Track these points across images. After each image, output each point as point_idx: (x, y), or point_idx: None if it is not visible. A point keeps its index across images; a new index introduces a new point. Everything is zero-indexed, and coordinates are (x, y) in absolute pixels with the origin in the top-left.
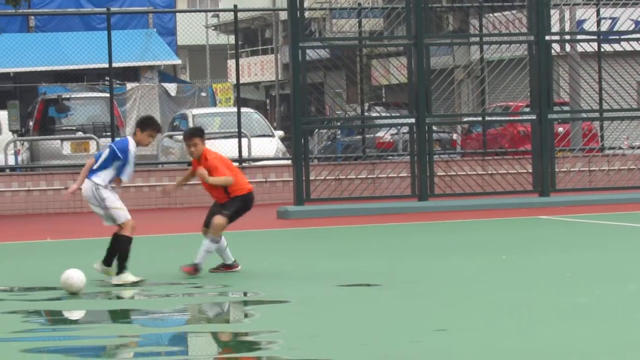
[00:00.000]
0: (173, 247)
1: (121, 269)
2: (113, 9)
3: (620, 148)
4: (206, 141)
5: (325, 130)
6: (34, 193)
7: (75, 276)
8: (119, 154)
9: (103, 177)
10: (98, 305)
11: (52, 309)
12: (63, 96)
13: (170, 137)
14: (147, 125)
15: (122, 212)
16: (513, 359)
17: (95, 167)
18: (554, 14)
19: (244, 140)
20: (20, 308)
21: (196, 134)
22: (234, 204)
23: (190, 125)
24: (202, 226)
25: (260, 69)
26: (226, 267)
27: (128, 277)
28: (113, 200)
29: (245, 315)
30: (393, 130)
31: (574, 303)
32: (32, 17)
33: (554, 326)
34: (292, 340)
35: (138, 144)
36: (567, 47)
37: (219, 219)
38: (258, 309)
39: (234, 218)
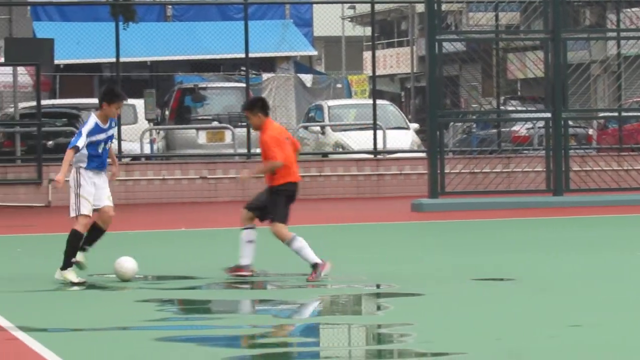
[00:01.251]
0: (305, 238)
1: (66, 265)
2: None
3: None
4: (342, 132)
5: (460, 124)
6: (169, 182)
7: (126, 265)
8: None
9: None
10: (231, 295)
11: (186, 298)
12: (199, 85)
13: (305, 128)
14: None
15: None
16: None
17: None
18: None
19: (379, 133)
20: (154, 297)
21: (245, 107)
22: (278, 202)
23: (326, 117)
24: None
25: (395, 61)
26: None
27: (71, 275)
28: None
29: (379, 308)
30: (529, 125)
31: None
32: (170, 7)
33: None
34: (426, 334)
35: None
36: None
37: (274, 228)
38: (392, 302)
39: (286, 216)
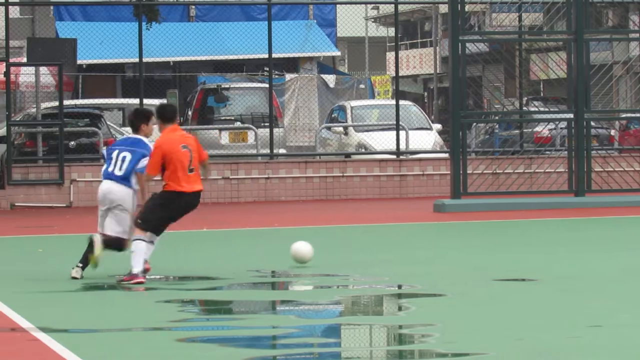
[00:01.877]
0: (328, 239)
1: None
2: (274, 0)
3: None
4: (365, 133)
5: (482, 124)
6: None
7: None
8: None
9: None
10: (252, 296)
11: (207, 299)
12: (222, 86)
13: (328, 128)
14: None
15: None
16: None
17: (122, 173)
18: None
19: (402, 133)
20: (175, 297)
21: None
22: (151, 206)
23: (349, 117)
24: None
25: (419, 61)
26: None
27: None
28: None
29: (401, 308)
30: (551, 125)
31: None
32: (193, 7)
33: None
34: (448, 334)
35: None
36: None
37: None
38: (414, 302)
39: (151, 223)
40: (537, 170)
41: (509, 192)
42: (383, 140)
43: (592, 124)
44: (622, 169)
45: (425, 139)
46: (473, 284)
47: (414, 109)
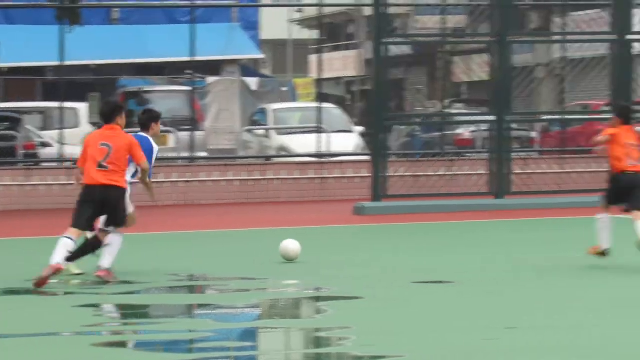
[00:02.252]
0: (248, 242)
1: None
2: (197, 2)
3: None
4: (286, 136)
5: (403, 127)
6: None
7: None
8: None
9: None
10: (169, 300)
11: (124, 303)
12: (144, 89)
13: (250, 131)
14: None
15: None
16: (585, 356)
17: None
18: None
19: (323, 136)
20: (91, 302)
21: None
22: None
23: (270, 120)
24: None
25: (342, 64)
26: None
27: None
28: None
29: (318, 311)
30: (473, 127)
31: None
32: (116, 10)
33: (632, 324)
34: (365, 337)
35: (154, 136)
36: None
37: None
38: (331, 305)
39: (75, 218)
40: (457, 173)
41: (429, 194)
42: (304, 143)
43: (514, 125)
44: (541, 171)
45: (347, 141)
46: (391, 286)
47: (336, 111)
